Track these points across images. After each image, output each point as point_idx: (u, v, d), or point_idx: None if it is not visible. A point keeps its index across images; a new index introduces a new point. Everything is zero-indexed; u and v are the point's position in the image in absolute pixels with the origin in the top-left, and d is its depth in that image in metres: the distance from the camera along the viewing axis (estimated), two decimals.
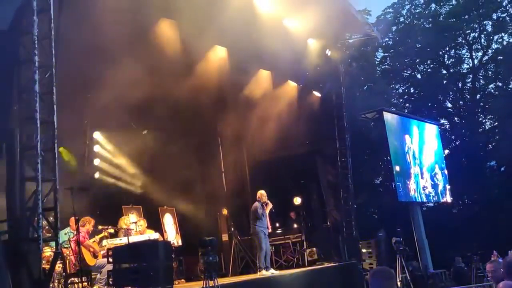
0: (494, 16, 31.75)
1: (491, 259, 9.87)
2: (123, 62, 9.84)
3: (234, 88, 13.29)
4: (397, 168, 19.34)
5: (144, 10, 9.71)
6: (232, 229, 15.21)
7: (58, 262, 9.18)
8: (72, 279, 9.67)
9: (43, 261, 8.13)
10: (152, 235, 11.57)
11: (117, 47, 9.50)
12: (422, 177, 20.90)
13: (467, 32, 32.28)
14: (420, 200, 20.95)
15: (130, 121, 13.78)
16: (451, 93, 33.07)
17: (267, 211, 12.25)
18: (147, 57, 10.21)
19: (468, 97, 32.77)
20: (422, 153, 21.50)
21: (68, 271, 9.85)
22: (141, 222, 12.16)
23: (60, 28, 7.37)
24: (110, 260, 8.53)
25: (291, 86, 15.02)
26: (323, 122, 15.97)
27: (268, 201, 12.28)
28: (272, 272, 11.96)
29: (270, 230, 12.77)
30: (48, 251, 9.00)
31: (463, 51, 32.93)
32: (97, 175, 13.60)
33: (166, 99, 11.79)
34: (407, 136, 20.64)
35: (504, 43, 31.83)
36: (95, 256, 10.06)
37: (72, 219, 9.37)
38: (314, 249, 15.07)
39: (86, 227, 10.24)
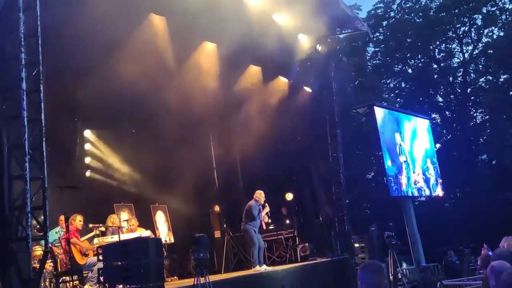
0: (484, 10, 31.84)
1: (481, 252, 9.90)
2: (112, 59, 9.80)
3: (225, 84, 13.24)
4: (389, 162, 19.37)
5: (133, 5, 9.65)
6: (225, 225, 15.19)
7: (49, 261, 9.15)
8: (64, 277, 9.63)
9: (35, 260, 8.11)
10: (144, 232, 11.53)
11: (105, 43, 9.46)
12: (413, 172, 20.94)
13: (457, 26, 32.36)
14: (412, 195, 20.99)
15: (121, 119, 13.73)
16: (442, 87, 33.17)
17: (263, 214, 12.21)
18: (136, 54, 10.15)
19: (459, 91, 32.86)
20: (414, 148, 21.54)
21: (59, 269, 9.81)
22: (132, 222, 12.13)
23: (47, 25, 7.31)
24: (101, 258, 8.48)
25: (282, 82, 15.02)
26: (314, 118, 15.96)
27: (266, 204, 12.23)
28: (265, 268, 11.95)
29: (264, 223, 12.74)
30: (39, 250, 8.95)
31: (454, 45, 33.05)
32: (88, 173, 13.56)
33: (156, 95, 11.74)
34: (398, 131, 20.67)
35: (494, 36, 31.95)
36: (85, 254, 10.00)
37: (62, 217, 9.32)
38: (307, 244, 15.07)
39: (73, 224, 10.15)
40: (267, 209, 12.24)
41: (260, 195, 12.17)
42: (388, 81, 34.13)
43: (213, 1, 10.88)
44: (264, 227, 12.61)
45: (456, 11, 31.67)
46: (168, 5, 10.25)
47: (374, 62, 34.07)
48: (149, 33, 10.50)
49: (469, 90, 32.57)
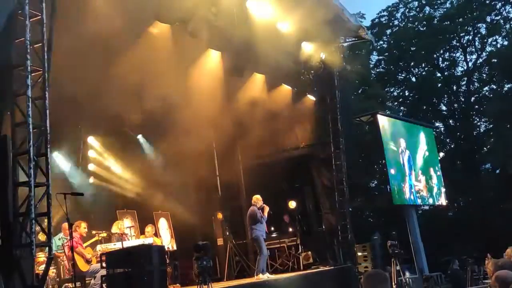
0: (488, 19, 31.95)
1: (485, 262, 9.88)
2: (116, 67, 9.84)
3: (228, 91, 13.27)
4: (392, 171, 19.35)
5: (137, 14, 9.69)
6: (227, 233, 15.17)
7: (52, 267, 9.16)
8: (66, 284, 9.64)
9: (37, 267, 8.11)
10: (146, 239, 11.53)
11: (109, 50, 9.50)
12: (417, 180, 20.91)
13: (461, 35, 32.43)
14: (415, 203, 20.95)
15: (125, 125, 13.76)
16: (445, 96, 33.19)
17: (266, 214, 12.23)
18: (141, 61, 10.19)
19: (463, 100, 32.88)
20: (417, 156, 21.51)
21: (62, 276, 9.82)
22: (132, 231, 12.12)
23: (53, 32, 7.34)
24: (104, 265, 8.49)
25: (286, 90, 15.01)
26: (318, 126, 15.98)
27: (264, 205, 12.25)
28: (267, 276, 11.93)
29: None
30: (41, 257, 8.96)
31: (458, 54, 33.14)
32: (91, 180, 13.57)
33: (159, 103, 11.77)
34: (401, 139, 20.65)
35: (498, 45, 31.99)
36: (88, 261, 10.01)
37: (65, 225, 9.33)
38: (309, 252, 15.05)
39: (77, 231, 10.17)
40: (267, 209, 12.23)
41: (257, 199, 12.24)
42: (391, 90, 34.19)
43: (218, 10, 10.93)
44: (267, 230, 12.63)
45: (460, 20, 31.74)
46: (172, 13, 10.28)
47: (377, 70, 34.15)
48: (154, 41, 10.54)
49: (473, 99, 32.58)
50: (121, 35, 9.20)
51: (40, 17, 7.16)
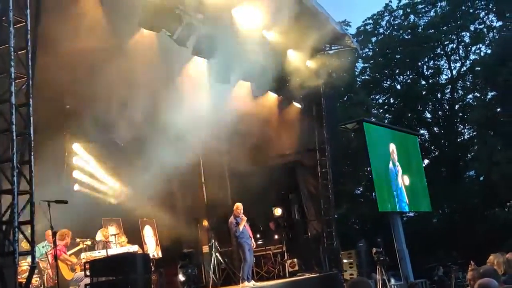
0: (472, 28, 32.24)
1: (469, 269, 9.93)
2: (101, 74, 9.80)
3: (214, 99, 13.25)
4: (377, 178, 19.38)
5: (123, 20, 9.68)
6: (213, 240, 15.11)
7: (35, 276, 9.06)
8: None
9: (20, 275, 8.03)
10: (131, 247, 11.46)
11: (95, 56, 9.47)
12: (402, 187, 20.98)
13: (445, 43, 32.74)
14: (400, 210, 21.01)
15: (110, 132, 13.70)
16: (430, 103, 33.43)
17: (240, 226, 12.18)
18: (126, 67, 10.16)
19: (447, 107, 33.13)
20: (402, 163, 21.59)
21: (45, 285, 9.72)
22: (122, 238, 12.03)
23: (37, 39, 7.31)
24: (88, 273, 8.43)
25: (271, 97, 15.06)
26: (303, 133, 16.03)
27: (242, 215, 12.23)
28: (253, 283, 11.91)
29: (253, 245, 12.72)
30: (25, 265, 8.87)
31: (442, 62, 33.40)
32: (76, 187, 13.47)
33: (145, 110, 11.74)
34: (386, 147, 20.72)
35: (482, 54, 32.31)
36: (72, 269, 9.94)
37: (48, 232, 9.25)
38: (295, 260, 15.04)
39: (65, 240, 10.11)
40: (244, 220, 12.22)
41: (236, 208, 12.27)
42: (377, 97, 34.37)
43: (203, 17, 10.95)
44: (251, 237, 12.61)
45: (444, 28, 32.06)
46: (158, 20, 10.27)
47: (363, 77, 34.32)
48: (140, 47, 10.52)
49: (457, 106, 32.85)
50: (106, 42, 9.18)
51: (24, 23, 7.13)
